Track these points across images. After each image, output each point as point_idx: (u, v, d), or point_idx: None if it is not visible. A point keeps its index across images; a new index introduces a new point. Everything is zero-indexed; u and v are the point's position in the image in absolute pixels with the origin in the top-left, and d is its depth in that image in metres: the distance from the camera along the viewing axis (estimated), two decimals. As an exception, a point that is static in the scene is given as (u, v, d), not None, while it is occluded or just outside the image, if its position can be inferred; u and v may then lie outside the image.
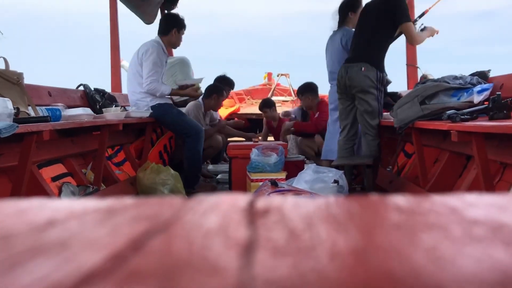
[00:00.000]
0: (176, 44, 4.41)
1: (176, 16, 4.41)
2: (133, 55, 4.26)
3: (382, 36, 3.60)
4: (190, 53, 5.83)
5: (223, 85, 5.22)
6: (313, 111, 5.12)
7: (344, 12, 4.19)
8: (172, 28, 4.26)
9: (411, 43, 3.85)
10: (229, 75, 5.51)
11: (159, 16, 5.98)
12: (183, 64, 5.31)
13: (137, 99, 4.20)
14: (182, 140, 4.43)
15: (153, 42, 4.20)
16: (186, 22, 4.35)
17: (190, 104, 4.72)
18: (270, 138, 5.78)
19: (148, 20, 5.65)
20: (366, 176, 3.65)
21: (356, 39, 3.75)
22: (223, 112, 6.45)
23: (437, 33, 3.77)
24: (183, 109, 4.64)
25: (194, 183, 4.22)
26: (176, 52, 5.77)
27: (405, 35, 3.62)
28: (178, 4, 5.96)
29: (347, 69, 3.61)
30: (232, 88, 5.65)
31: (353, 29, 3.96)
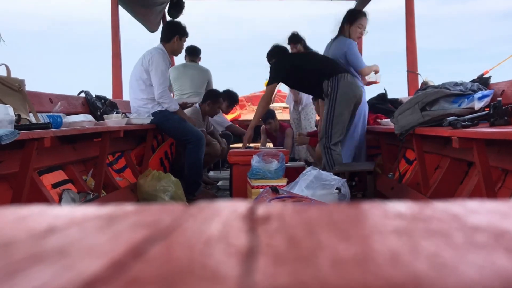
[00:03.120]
0: (177, 51, 4.45)
1: (178, 24, 4.44)
2: (137, 62, 4.28)
3: None
4: (216, 58, 5.94)
5: (229, 100, 5.28)
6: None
7: (342, 22, 4.26)
8: (174, 35, 4.29)
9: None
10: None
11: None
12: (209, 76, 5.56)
13: (139, 105, 4.22)
14: (183, 147, 4.43)
15: (158, 49, 4.22)
16: (211, 27, 4.45)
17: (188, 110, 4.75)
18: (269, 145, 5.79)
19: (152, 28, 5.68)
20: (367, 183, 3.64)
21: None
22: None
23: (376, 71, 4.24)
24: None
25: (195, 189, 4.21)
26: (204, 57, 5.92)
27: None
28: (184, 12, 6.00)
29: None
30: (237, 103, 5.73)
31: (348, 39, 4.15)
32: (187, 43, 5.73)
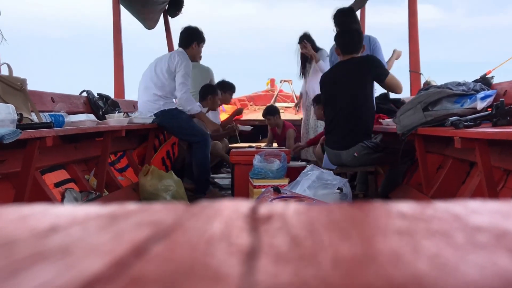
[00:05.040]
0: (196, 57, 4.52)
1: (196, 30, 4.47)
2: (158, 59, 4.29)
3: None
4: (240, 67, 5.90)
5: (225, 89, 5.27)
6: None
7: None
8: (193, 41, 4.36)
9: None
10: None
11: (161, 21, 6.02)
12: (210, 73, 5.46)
13: (149, 100, 4.22)
14: (187, 146, 4.43)
15: (184, 54, 4.27)
16: (232, 37, 4.46)
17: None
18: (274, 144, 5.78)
19: (150, 26, 5.67)
20: (369, 183, 3.64)
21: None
22: (225, 117, 6.45)
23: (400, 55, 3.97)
24: None
25: (206, 188, 4.22)
26: (226, 65, 5.92)
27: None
28: (183, 10, 6.01)
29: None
30: (234, 92, 5.67)
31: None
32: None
